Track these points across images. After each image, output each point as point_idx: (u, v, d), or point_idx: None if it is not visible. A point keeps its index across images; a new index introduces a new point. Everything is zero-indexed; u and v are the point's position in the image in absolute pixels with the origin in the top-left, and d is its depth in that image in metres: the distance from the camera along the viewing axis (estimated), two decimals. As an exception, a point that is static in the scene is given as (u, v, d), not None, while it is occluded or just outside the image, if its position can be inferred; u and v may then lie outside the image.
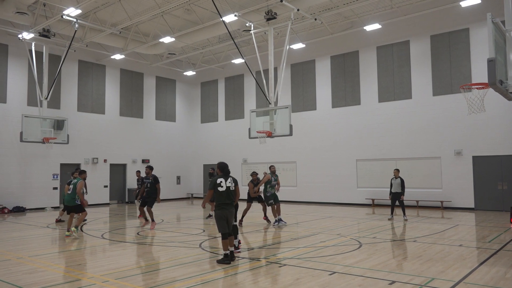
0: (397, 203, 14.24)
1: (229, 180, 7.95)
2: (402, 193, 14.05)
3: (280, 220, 12.93)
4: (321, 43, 21.13)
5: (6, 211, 18.24)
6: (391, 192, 14.29)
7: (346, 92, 21.04)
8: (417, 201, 18.17)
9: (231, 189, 7.91)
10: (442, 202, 17.66)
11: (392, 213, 14.46)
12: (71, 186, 11.29)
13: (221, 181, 7.86)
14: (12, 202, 18.93)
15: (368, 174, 20.04)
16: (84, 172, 11.72)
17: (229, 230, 7.82)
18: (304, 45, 20.54)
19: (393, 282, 6.28)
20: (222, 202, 7.82)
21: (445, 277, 6.52)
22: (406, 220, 13.89)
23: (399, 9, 17.70)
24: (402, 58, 19.32)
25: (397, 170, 14.40)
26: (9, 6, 16.27)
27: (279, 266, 7.50)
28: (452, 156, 17.74)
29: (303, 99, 22.54)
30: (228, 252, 7.68)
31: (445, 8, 17.14)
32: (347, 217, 15.31)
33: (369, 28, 18.29)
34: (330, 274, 6.80)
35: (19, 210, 18.85)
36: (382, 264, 7.54)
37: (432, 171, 18.24)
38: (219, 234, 8.03)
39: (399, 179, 14.13)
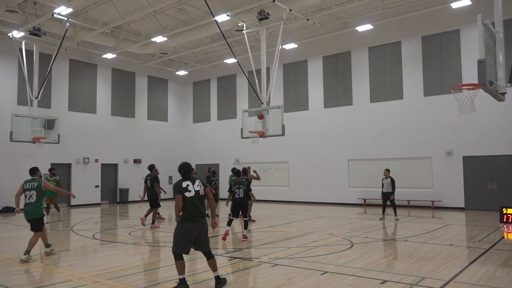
0: (388, 202, 14.32)
1: (196, 182, 6.20)
2: (393, 192, 14.14)
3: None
4: (313, 44, 21.19)
5: None
6: (382, 192, 14.37)
7: (338, 92, 21.12)
8: (408, 201, 18.30)
9: (200, 193, 6.16)
10: (433, 202, 17.80)
11: (383, 212, 14.54)
12: (32, 192, 8.56)
13: (187, 185, 6.09)
14: (2, 202, 18.73)
15: (360, 174, 20.13)
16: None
17: (201, 249, 6.26)
18: (296, 45, 20.58)
19: (384, 281, 6.32)
20: (191, 212, 5.99)
21: (435, 276, 6.57)
22: (397, 219, 13.98)
23: (391, 10, 17.82)
24: (394, 58, 19.44)
25: (388, 170, 14.49)
26: (-1, 4, 16.11)
27: (271, 266, 7.51)
28: (443, 156, 17.89)
29: (296, 99, 22.58)
30: (183, 277, 6.05)
31: (436, 9, 17.28)
32: (339, 217, 15.37)
33: (361, 28, 18.38)
34: (322, 274, 6.82)
35: (8, 210, 18.65)
36: (374, 263, 7.58)
37: (423, 171, 18.38)
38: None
39: (389, 178, 14.22)
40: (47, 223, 13.80)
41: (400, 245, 9.55)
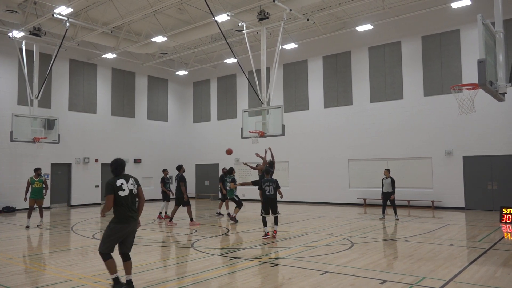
0: (388, 202, 14.32)
1: (131, 181, 5.95)
2: (393, 192, 14.14)
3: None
4: (313, 43, 21.19)
5: None
6: (382, 192, 14.37)
7: (338, 92, 21.12)
8: (408, 201, 18.30)
9: (133, 192, 5.91)
10: (433, 201, 17.80)
11: (383, 212, 14.54)
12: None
13: (122, 183, 5.82)
14: (2, 202, 18.74)
15: (360, 174, 20.13)
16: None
17: (125, 249, 6.02)
18: (296, 45, 20.58)
19: (385, 281, 6.32)
20: (124, 212, 5.75)
21: (435, 276, 6.57)
22: (397, 219, 13.98)
23: (391, 10, 17.82)
24: (394, 58, 19.44)
25: (388, 170, 14.48)
26: (-1, 4, 16.11)
27: (271, 266, 7.51)
28: (443, 156, 17.89)
29: (296, 99, 22.58)
30: (116, 275, 5.87)
31: (436, 9, 17.28)
32: (339, 217, 15.37)
33: (361, 28, 18.38)
34: (322, 274, 6.82)
35: (9, 210, 18.65)
36: (374, 263, 7.58)
37: (423, 171, 18.38)
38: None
39: (389, 178, 14.22)
40: (27, 227, 13.12)
41: (400, 245, 9.55)
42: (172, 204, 14.37)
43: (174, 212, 13.46)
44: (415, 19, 18.29)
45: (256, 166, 14.25)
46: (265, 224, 10.74)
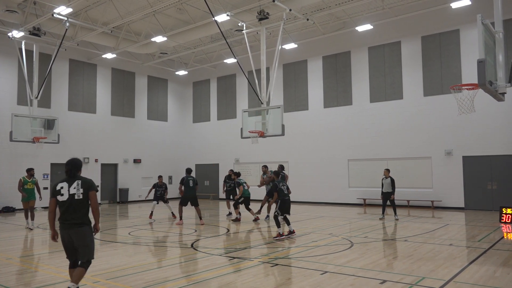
0: (388, 202, 14.32)
1: (75, 184, 5.33)
2: (393, 192, 14.14)
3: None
4: (313, 43, 21.19)
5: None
6: (382, 192, 14.37)
7: (338, 92, 21.12)
8: (408, 201, 18.30)
9: (76, 197, 5.28)
10: (432, 201, 17.80)
11: (383, 212, 14.54)
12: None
13: (62, 187, 5.31)
14: (2, 202, 18.73)
15: (359, 174, 20.13)
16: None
17: (71, 257, 5.56)
18: (296, 45, 20.58)
19: (384, 281, 6.32)
20: (61, 218, 5.35)
21: (435, 276, 6.58)
22: (397, 219, 13.98)
23: (391, 10, 17.82)
24: (394, 58, 19.44)
25: (387, 170, 14.49)
26: (-2, 4, 16.11)
27: (271, 266, 7.51)
28: (443, 156, 17.89)
29: (295, 99, 22.58)
30: (72, 285, 5.37)
31: (436, 9, 17.28)
32: (338, 217, 15.37)
33: (360, 28, 18.38)
34: (322, 274, 6.82)
35: (8, 210, 18.64)
36: (374, 263, 7.58)
37: (423, 171, 18.39)
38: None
39: (389, 178, 14.22)
40: (31, 229, 12.84)
41: (400, 245, 9.56)
42: (161, 206, 14.46)
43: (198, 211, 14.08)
44: (415, 19, 18.29)
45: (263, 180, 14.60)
46: (279, 225, 10.57)
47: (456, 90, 10.61)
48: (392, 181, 14.18)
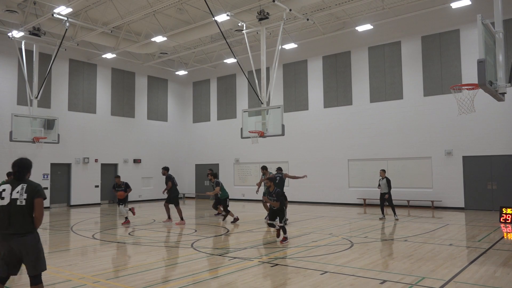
0: (386, 203, 14.32)
1: (18, 188, 4.59)
2: (388, 192, 14.13)
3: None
4: (313, 43, 21.19)
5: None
6: (380, 193, 14.38)
7: (338, 92, 21.12)
8: (408, 201, 18.30)
9: (18, 203, 4.53)
10: (432, 201, 17.80)
11: (382, 212, 14.53)
12: None
13: (3, 189, 4.61)
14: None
15: (359, 174, 20.13)
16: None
17: (27, 272, 4.69)
18: (296, 45, 20.58)
19: (384, 281, 6.32)
20: (2, 225, 4.54)
21: (435, 276, 6.58)
22: (397, 219, 13.98)
23: (391, 10, 17.82)
24: (394, 58, 19.44)
25: (383, 171, 14.52)
26: (-2, 4, 16.11)
27: (271, 266, 7.51)
28: (443, 156, 17.89)
29: (295, 99, 22.58)
30: None
31: (436, 9, 17.29)
32: (338, 217, 15.37)
33: (361, 28, 18.38)
34: (322, 274, 6.82)
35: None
36: (373, 263, 7.58)
37: (423, 171, 18.39)
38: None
39: (385, 179, 14.24)
40: None
41: (400, 245, 9.55)
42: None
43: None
44: (415, 19, 18.29)
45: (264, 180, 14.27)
46: (285, 232, 10.06)
47: (456, 90, 10.61)
48: (388, 181, 14.20)
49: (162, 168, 14.45)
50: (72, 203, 21.46)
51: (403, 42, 19.22)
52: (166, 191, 14.04)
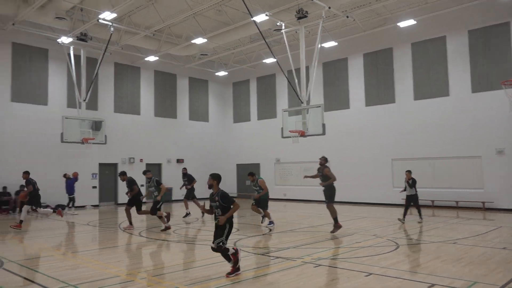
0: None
1: None
2: (415, 193, 13.65)
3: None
4: (353, 41, 20.80)
5: (49, 209, 18.75)
6: (406, 195, 13.85)
7: (379, 90, 20.64)
8: (457, 202, 17.55)
9: None
10: (483, 203, 16.99)
11: (405, 215, 13.75)
12: None
13: None
14: (54, 200, 19.64)
15: (404, 173, 19.51)
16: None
17: None
18: (336, 43, 20.30)
19: (433, 285, 6.10)
20: None
21: (488, 281, 6.27)
22: (420, 222, 13.38)
23: (434, 4, 17.18)
24: (439, 54, 18.74)
25: (409, 172, 14.00)
26: (49, 12, 16.93)
27: (314, 267, 7.44)
28: (494, 155, 17.05)
29: (336, 97, 22.27)
30: None
31: (482, 2, 16.52)
32: (382, 218, 15.00)
33: (403, 24, 17.85)
34: (367, 276, 6.68)
35: (64, 208, 19.44)
36: (421, 266, 7.35)
37: (472, 171, 17.58)
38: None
39: (411, 180, 13.75)
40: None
41: (449, 248, 9.19)
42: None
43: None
44: (461, 12, 17.54)
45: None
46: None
47: (507, 86, 10.11)
48: (414, 182, 13.69)
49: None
50: (119, 202, 22.23)
51: (448, 37, 18.49)
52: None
